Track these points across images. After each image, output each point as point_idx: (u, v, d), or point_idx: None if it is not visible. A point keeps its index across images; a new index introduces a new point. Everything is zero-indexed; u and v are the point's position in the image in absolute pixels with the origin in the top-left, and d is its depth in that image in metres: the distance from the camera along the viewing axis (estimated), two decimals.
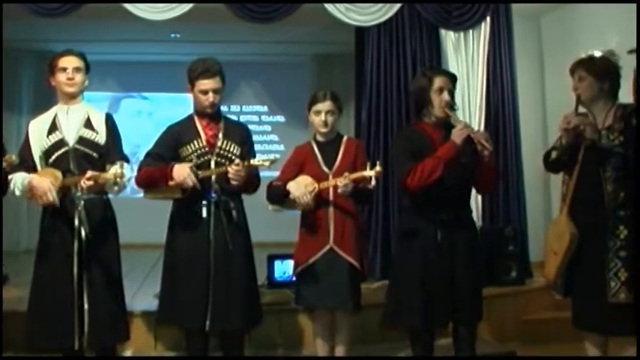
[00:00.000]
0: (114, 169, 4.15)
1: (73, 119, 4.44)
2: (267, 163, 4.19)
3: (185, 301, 4.35)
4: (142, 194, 4.54)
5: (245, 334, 4.70)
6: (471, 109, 6.84)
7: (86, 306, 4.25)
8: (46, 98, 7.54)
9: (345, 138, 4.70)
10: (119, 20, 7.03)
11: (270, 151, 10.25)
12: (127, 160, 4.46)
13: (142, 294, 5.85)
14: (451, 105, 4.33)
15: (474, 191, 4.63)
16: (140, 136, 9.71)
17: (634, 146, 3.97)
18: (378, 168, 4.25)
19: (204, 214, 4.35)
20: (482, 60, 6.93)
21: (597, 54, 4.45)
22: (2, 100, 9.25)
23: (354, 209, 4.61)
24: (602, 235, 4.05)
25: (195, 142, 4.41)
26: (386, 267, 6.54)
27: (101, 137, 4.44)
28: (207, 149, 4.41)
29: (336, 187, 4.40)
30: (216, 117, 4.52)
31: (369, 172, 4.26)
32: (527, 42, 7.79)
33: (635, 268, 3.96)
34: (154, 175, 4.38)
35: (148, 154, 4.52)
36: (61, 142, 4.37)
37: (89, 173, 4.10)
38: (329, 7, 6.64)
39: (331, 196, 4.50)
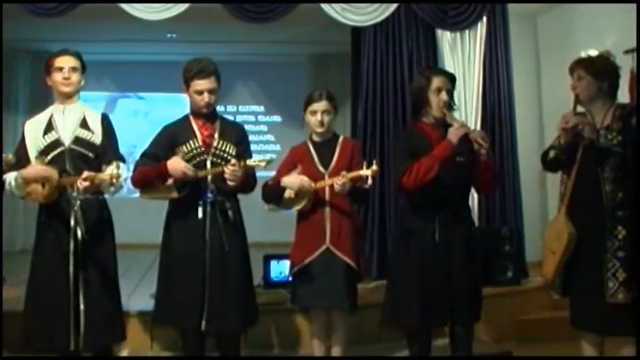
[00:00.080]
0: (110, 170, 4.16)
1: (69, 119, 4.44)
2: (263, 164, 4.20)
3: (181, 301, 4.35)
4: (137, 194, 4.53)
5: (241, 334, 4.70)
6: (467, 109, 6.84)
7: (82, 306, 4.25)
8: (42, 98, 7.59)
9: (341, 138, 4.70)
10: (115, 20, 7.02)
11: (266, 151, 10.25)
12: (123, 160, 4.45)
13: (138, 294, 5.83)
14: (450, 105, 4.34)
15: (473, 191, 4.63)
16: (136, 136, 9.68)
17: (633, 146, 3.96)
18: (374, 167, 4.25)
19: (200, 214, 4.34)
20: (478, 60, 6.93)
21: (593, 53, 4.46)
22: (2, 100, 9.24)
23: (351, 209, 4.62)
24: (600, 235, 4.05)
25: (191, 142, 4.40)
26: (382, 267, 6.54)
27: (97, 137, 4.44)
28: (203, 149, 4.41)
29: (332, 187, 4.41)
30: (212, 117, 4.52)
31: (365, 172, 4.26)
32: (523, 42, 7.79)
33: (633, 268, 3.96)
34: (149, 174, 4.38)
35: (143, 154, 4.51)
36: (57, 142, 4.37)
37: (85, 174, 4.10)
38: (325, 7, 6.64)
39: (327, 196, 4.50)
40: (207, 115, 4.49)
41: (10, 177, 4.30)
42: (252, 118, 11.53)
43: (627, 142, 4.00)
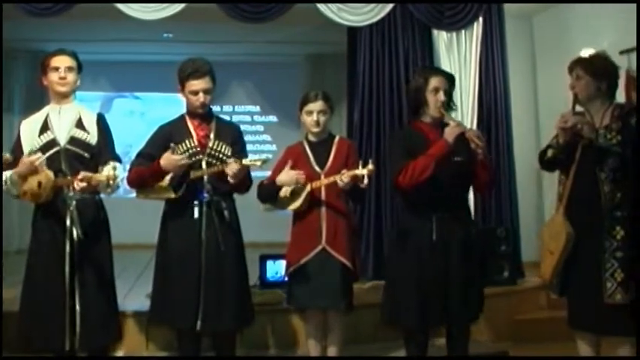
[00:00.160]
0: (107, 171, 4.15)
1: (64, 119, 4.44)
2: (258, 163, 4.19)
3: (176, 300, 4.35)
4: (133, 194, 4.53)
5: (237, 334, 4.70)
6: (463, 108, 6.83)
7: (78, 307, 4.25)
8: (38, 98, 7.57)
9: (336, 138, 4.70)
10: (111, 20, 7.01)
11: (262, 151, 10.24)
12: (119, 161, 4.46)
13: (134, 294, 5.84)
14: (449, 104, 4.35)
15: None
16: (132, 136, 9.66)
17: (632, 146, 3.96)
18: (370, 166, 4.25)
19: (196, 214, 4.34)
20: (474, 60, 6.93)
21: (589, 52, 4.46)
22: (2, 100, 9.23)
23: (346, 209, 4.62)
24: (598, 236, 4.04)
25: (186, 142, 4.40)
26: (378, 267, 6.55)
27: (92, 137, 4.44)
28: (198, 149, 4.41)
29: (328, 187, 4.41)
30: (207, 117, 4.52)
31: (361, 171, 4.26)
32: (519, 42, 7.80)
33: (631, 269, 3.96)
34: (144, 174, 4.38)
35: (139, 154, 4.51)
36: (53, 142, 4.37)
37: (82, 174, 4.10)
38: (321, 7, 6.63)
39: (323, 196, 4.51)
40: (203, 115, 4.49)
41: (6, 175, 4.30)
42: (248, 118, 11.52)
43: (627, 142, 3.99)
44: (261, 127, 11.58)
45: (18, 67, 10.32)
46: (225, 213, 4.38)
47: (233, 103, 11.37)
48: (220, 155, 4.40)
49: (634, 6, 5.51)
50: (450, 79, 4.45)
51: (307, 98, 4.59)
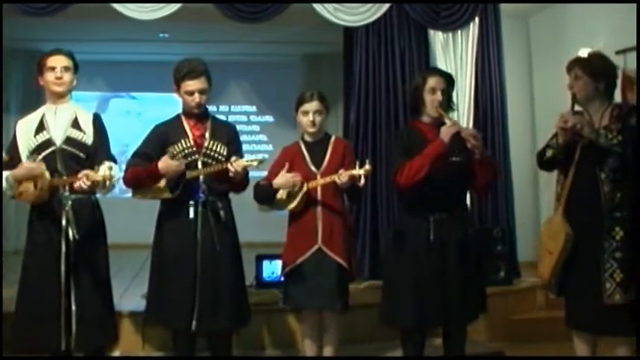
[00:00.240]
0: (102, 171, 4.14)
1: (60, 119, 4.43)
2: (255, 163, 4.20)
3: (172, 301, 4.35)
4: (129, 194, 4.53)
5: (233, 334, 4.70)
6: (459, 109, 6.83)
7: (74, 307, 4.24)
8: (34, 98, 7.55)
9: (333, 138, 4.70)
10: (108, 20, 7.00)
11: (258, 151, 10.24)
12: (115, 161, 4.45)
13: (129, 294, 5.82)
14: (448, 104, 4.36)
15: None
16: (129, 135, 9.68)
17: (632, 146, 3.95)
18: (367, 166, 4.25)
19: (192, 214, 4.34)
20: (470, 60, 6.93)
21: (587, 52, 4.45)
22: (2, 100, 9.21)
23: (342, 209, 4.62)
24: (597, 236, 4.02)
25: (182, 141, 4.40)
26: (375, 267, 6.55)
27: (88, 137, 4.43)
28: (194, 149, 4.40)
29: (324, 187, 4.42)
30: (203, 117, 4.52)
31: (358, 171, 4.26)
32: (515, 42, 7.81)
33: (630, 269, 3.95)
34: (140, 174, 4.38)
35: (135, 154, 4.51)
36: (48, 142, 4.36)
37: (84, 171, 4.09)
38: (317, 7, 6.63)
39: (319, 196, 4.50)
40: (199, 115, 4.49)
41: (4, 176, 4.30)
42: (244, 118, 11.52)
43: (627, 142, 3.98)
44: (257, 127, 11.57)
45: (14, 66, 10.27)
46: (221, 213, 4.37)
47: (229, 102, 11.36)
48: (216, 155, 4.40)
49: (630, 6, 5.52)
50: (448, 79, 4.46)
51: (303, 98, 4.59)
